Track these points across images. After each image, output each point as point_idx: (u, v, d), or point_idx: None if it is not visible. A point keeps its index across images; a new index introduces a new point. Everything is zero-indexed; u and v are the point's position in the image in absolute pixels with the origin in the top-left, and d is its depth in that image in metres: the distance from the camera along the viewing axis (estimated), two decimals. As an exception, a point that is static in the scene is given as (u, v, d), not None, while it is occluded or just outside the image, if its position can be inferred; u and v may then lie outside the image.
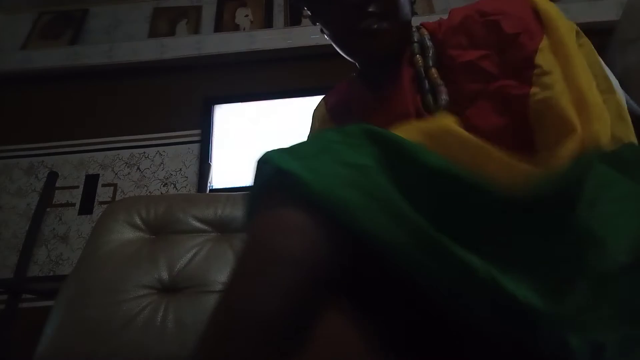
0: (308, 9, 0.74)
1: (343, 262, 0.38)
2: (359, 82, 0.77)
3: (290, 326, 0.35)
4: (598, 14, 2.11)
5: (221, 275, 0.93)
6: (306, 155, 0.40)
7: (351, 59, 0.73)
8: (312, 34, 2.18)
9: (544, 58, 0.53)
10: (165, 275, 0.93)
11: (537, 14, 0.57)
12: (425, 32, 0.68)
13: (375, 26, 0.62)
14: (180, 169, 1.99)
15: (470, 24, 0.61)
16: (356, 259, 0.39)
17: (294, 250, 0.36)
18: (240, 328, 0.34)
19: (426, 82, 0.63)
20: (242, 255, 0.39)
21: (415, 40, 0.67)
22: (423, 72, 0.64)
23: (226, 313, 0.37)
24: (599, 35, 2.02)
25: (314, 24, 0.74)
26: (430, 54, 0.65)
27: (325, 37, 0.72)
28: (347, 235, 0.36)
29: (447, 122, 0.49)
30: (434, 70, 0.63)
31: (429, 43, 0.66)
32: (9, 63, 2.21)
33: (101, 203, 1.92)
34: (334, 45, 0.71)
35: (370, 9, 0.62)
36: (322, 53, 2.18)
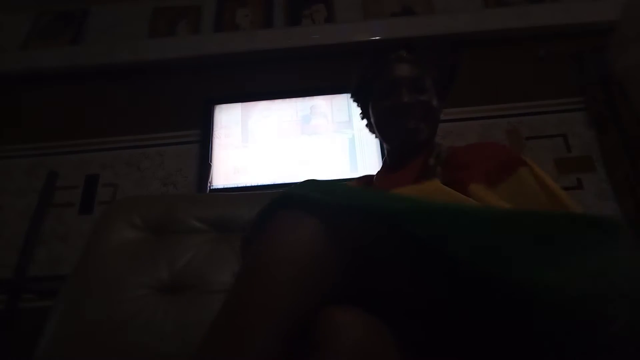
0: (359, 105, 1.04)
1: (348, 266, 0.46)
2: (381, 169, 1.02)
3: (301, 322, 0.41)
4: (598, 13, 2.11)
5: (221, 276, 0.93)
6: (316, 189, 0.52)
7: (386, 142, 0.98)
8: (312, 34, 2.18)
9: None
10: (165, 275, 0.93)
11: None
12: (444, 147, 0.90)
13: (415, 125, 0.88)
14: (180, 169, 1.99)
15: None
16: (360, 270, 0.47)
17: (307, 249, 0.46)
18: (254, 319, 0.40)
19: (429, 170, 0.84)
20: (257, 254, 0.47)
21: (436, 150, 0.89)
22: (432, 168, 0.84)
23: (241, 303, 0.43)
24: (600, 34, 2.04)
25: (362, 119, 1.05)
26: (441, 162, 0.85)
27: (365, 123, 1.04)
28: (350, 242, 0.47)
29: (437, 183, 0.70)
30: (439, 167, 0.84)
31: (444, 155, 0.87)
32: (9, 63, 2.21)
33: (101, 203, 1.92)
34: (375, 129, 0.99)
35: (412, 111, 0.89)
36: (322, 53, 2.19)
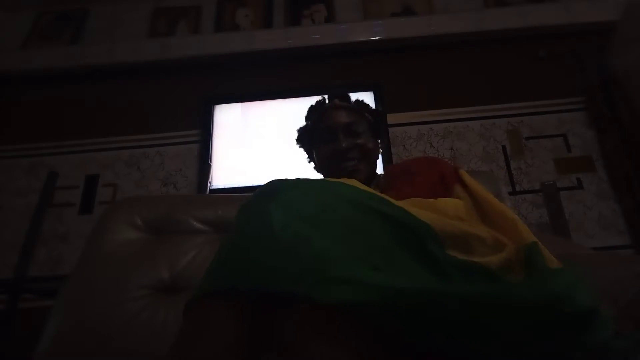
0: (305, 150, 1.11)
1: None
2: None
3: None
4: (599, 13, 2.11)
5: (221, 276, 0.93)
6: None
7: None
8: (312, 34, 2.18)
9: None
10: (165, 275, 0.93)
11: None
12: (381, 176, 1.00)
13: (354, 167, 0.95)
14: (181, 169, 1.99)
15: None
16: None
17: None
18: None
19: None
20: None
21: (374, 181, 0.98)
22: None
23: None
24: (600, 34, 2.04)
25: (309, 161, 1.11)
26: (381, 187, 0.94)
27: (313, 166, 1.09)
28: None
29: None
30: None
31: (382, 181, 0.97)
32: (9, 63, 2.21)
33: (101, 203, 1.92)
34: (319, 171, 1.06)
35: (350, 155, 0.95)
36: (321, 53, 2.19)
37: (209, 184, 1.91)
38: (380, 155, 1.09)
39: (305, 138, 1.11)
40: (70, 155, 2.05)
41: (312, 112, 1.10)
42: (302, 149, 1.13)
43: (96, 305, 0.87)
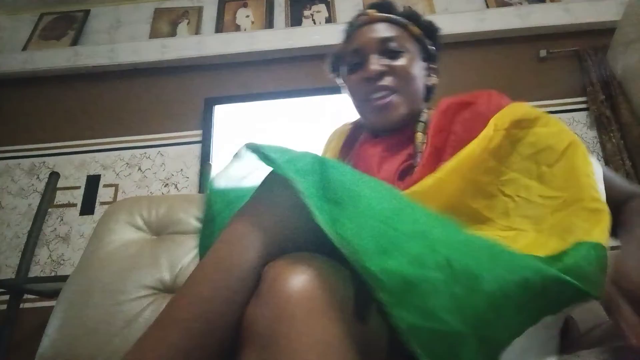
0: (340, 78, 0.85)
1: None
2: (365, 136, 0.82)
3: None
4: (599, 14, 2.11)
5: (222, 276, 0.93)
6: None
7: (366, 122, 0.79)
8: (312, 35, 2.18)
9: None
10: (166, 276, 0.93)
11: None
12: (433, 112, 0.72)
13: (386, 99, 0.70)
14: (182, 170, 1.99)
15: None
16: None
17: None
18: None
19: (417, 158, 0.68)
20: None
21: (422, 120, 0.72)
22: (419, 148, 0.69)
23: None
24: (600, 35, 2.04)
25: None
26: (425, 129, 0.70)
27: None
28: None
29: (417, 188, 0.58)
30: (424, 143, 0.70)
31: (427, 121, 0.71)
32: (11, 64, 2.21)
33: (102, 203, 1.92)
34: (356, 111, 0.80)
35: (382, 83, 0.70)
36: (322, 53, 2.18)
37: (209, 185, 1.91)
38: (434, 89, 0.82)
39: (336, 66, 0.86)
40: (71, 155, 2.05)
41: (346, 30, 0.84)
42: (340, 84, 0.85)
43: (97, 305, 0.87)
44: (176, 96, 2.17)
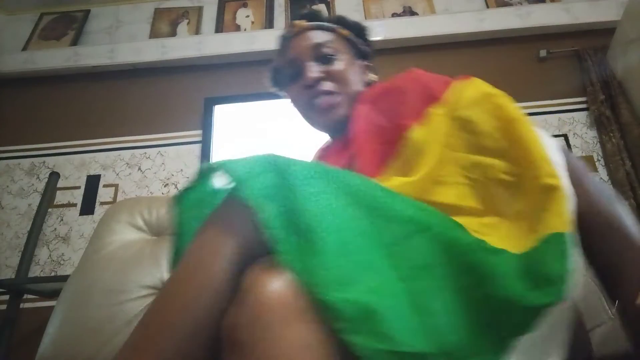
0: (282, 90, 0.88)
1: None
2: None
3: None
4: (599, 14, 2.11)
5: (222, 276, 0.93)
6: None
7: (314, 126, 0.82)
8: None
9: None
10: (167, 276, 0.93)
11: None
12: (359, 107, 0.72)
13: (329, 100, 0.74)
14: (182, 170, 1.99)
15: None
16: None
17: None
18: None
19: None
20: None
21: None
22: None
23: None
24: (600, 35, 2.04)
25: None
26: None
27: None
28: None
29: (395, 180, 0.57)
30: None
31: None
32: (11, 64, 2.21)
33: (102, 204, 1.92)
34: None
35: (322, 88, 0.74)
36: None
37: (210, 185, 1.91)
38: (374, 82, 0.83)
39: (277, 80, 0.90)
40: (71, 155, 2.05)
41: (279, 43, 0.88)
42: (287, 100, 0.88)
43: (98, 305, 0.87)
44: (176, 96, 2.17)
